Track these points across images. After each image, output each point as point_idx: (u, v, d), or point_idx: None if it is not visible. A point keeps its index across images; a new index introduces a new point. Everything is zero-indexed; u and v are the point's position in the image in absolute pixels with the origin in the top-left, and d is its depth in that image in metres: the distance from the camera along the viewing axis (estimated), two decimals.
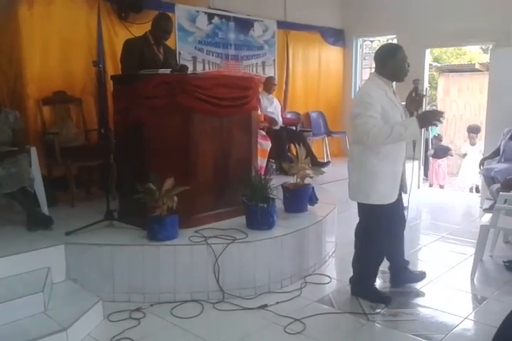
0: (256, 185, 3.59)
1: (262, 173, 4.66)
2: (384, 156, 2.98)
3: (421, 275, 3.58)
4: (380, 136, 2.83)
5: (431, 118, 2.87)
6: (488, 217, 3.84)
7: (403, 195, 3.35)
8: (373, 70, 3.14)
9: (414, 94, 3.03)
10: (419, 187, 7.08)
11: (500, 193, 3.75)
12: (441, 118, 2.86)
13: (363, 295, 3.26)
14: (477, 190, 8.04)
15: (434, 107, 9.94)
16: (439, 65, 11.73)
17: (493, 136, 5.90)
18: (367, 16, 7.32)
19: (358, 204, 3.18)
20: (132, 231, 3.47)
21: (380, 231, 3.13)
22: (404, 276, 3.49)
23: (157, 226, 3.22)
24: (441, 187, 8.38)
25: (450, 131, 10.74)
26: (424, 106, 3.01)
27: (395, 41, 7.31)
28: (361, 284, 3.29)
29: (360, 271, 3.29)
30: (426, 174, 8.90)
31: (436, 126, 2.84)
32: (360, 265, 3.28)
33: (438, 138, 9.04)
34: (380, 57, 3.03)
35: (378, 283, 3.46)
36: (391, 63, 2.97)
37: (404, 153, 3.12)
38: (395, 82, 3.10)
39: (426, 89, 3.12)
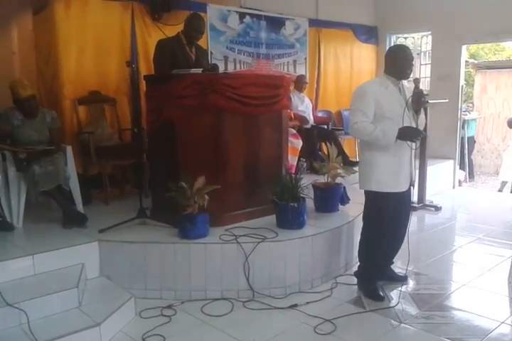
0: (286, 184, 3.59)
1: (293, 172, 4.66)
2: (383, 148, 3.11)
3: (402, 278, 3.51)
4: (361, 131, 3.08)
5: (410, 135, 3.03)
6: None
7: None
8: None
9: (415, 92, 3.11)
10: (454, 188, 6.94)
11: None
12: (418, 138, 3.06)
13: (361, 289, 3.33)
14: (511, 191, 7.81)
15: (470, 104, 9.72)
16: (475, 61, 11.42)
17: None
18: (400, 12, 7.19)
19: (364, 192, 3.29)
20: (164, 229, 3.51)
21: (379, 221, 3.19)
22: (384, 273, 3.46)
23: (189, 224, 3.25)
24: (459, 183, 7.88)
25: (487, 129, 10.46)
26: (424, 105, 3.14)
27: (429, 38, 7.17)
28: (362, 277, 3.35)
29: (361, 264, 3.36)
30: (471, 174, 8.69)
31: (414, 141, 3.09)
32: (361, 257, 3.36)
33: (472, 139, 8.86)
34: (385, 57, 3.23)
35: None
36: (394, 63, 3.14)
37: (409, 148, 3.15)
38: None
39: (422, 90, 3.13)
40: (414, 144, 3.15)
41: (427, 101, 3.23)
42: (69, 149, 3.88)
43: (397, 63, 3.13)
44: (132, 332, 2.79)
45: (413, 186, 3.35)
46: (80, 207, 3.84)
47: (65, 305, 2.75)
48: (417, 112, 3.14)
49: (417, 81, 3.22)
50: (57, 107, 4.37)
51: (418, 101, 3.10)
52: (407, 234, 3.26)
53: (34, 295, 2.70)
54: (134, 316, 2.98)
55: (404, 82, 3.30)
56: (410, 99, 3.09)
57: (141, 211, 3.62)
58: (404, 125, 3.04)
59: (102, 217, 3.78)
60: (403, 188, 3.22)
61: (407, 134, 3.03)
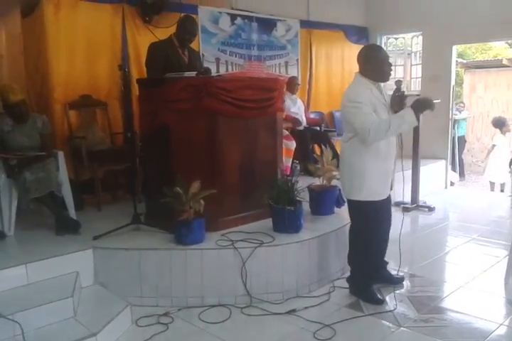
0: (282, 187, 3.56)
1: (288, 173, 4.64)
2: (375, 153, 3.04)
3: (399, 280, 3.51)
4: (380, 130, 2.90)
5: (424, 103, 2.90)
6: None
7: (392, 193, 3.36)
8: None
9: (396, 95, 3.07)
10: (446, 188, 6.96)
11: None
12: (433, 104, 2.91)
13: (357, 295, 3.28)
14: (502, 189, 7.86)
15: (461, 104, 9.77)
16: (464, 61, 11.49)
17: None
18: (391, 13, 7.20)
19: (349, 202, 3.22)
20: (159, 234, 3.47)
21: (369, 230, 3.16)
22: (381, 275, 3.44)
23: (184, 230, 3.21)
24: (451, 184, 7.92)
25: (477, 128, 10.54)
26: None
27: (420, 38, 7.18)
28: (356, 283, 3.31)
29: (354, 271, 3.33)
30: (462, 173, 8.73)
31: (432, 110, 2.91)
32: (353, 265, 3.33)
33: (462, 139, 8.92)
34: (360, 58, 3.10)
35: None
36: (370, 64, 3.03)
37: (395, 150, 3.15)
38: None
39: (403, 90, 3.11)
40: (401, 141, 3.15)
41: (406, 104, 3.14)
42: (61, 154, 3.82)
43: (377, 64, 3.02)
44: None
45: (391, 189, 3.32)
46: (72, 213, 3.78)
47: (60, 315, 2.70)
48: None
49: (399, 83, 3.16)
50: (47, 112, 4.30)
51: (400, 104, 3.05)
52: (399, 235, 3.27)
53: (28, 305, 2.64)
54: (131, 324, 2.93)
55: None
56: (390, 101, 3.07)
57: (136, 217, 3.57)
58: None
59: (95, 223, 3.73)
60: (387, 194, 3.23)
61: (422, 104, 2.89)
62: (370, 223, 3.15)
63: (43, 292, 2.83)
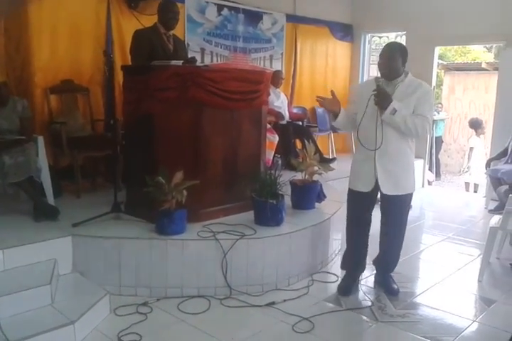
0: (265, 180, 3.56)
1: (269, 165, 4.65)
2: (356, 143, 3.22)
3: (393, 291, 3.37)
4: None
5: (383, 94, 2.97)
6: (496, 218, 3.82)
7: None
8: None
9: (378, 93, 2.97)
10: (423, 186, 7.06)
11: (511, 195, 3.72)
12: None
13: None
14: (475, 190, 8.02)
15: (439, 105, 9.92)
16: (444, 62, 11.66)
17: (501, 137, 5.88)
18: (376, 12, 7.24)
19: (405, 197, 3.26)
20: (139, 224, 3.43)
21: (347, 218, 3.34)
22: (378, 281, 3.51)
23: (166, 220, 3.18)
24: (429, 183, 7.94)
25: (454, 129, 10.72)
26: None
27: (403, 38, 7.25)
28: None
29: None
30: (438, 173, 8.87)
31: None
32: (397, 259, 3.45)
33: (440, 139, 9.07)
34: (403, 56, 3.12)
35: None
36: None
37: (373, 142, 3.02)
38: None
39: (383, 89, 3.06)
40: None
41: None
42: (40, 139, 3.74)
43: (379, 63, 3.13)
44: (107, 330, 2.71)
45: None
46: (51, 199, 3.71)
47: (37, 303, 2.65)
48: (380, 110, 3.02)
49: (378, 80, 3.07)
50: (27, 96, 4.18)
51: (378, 101, 2.97)
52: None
53: (5, 291, 2.59)
54: (109, 313, 2.90)
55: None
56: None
57: (116, 205, 3.52)
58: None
59: (74, 210, 3.66)
60: (363, 187, 3.28)
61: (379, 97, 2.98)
62: (349, 211, 3.33)
63: (19, 278, 2.78)
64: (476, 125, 8.25)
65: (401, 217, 3.29)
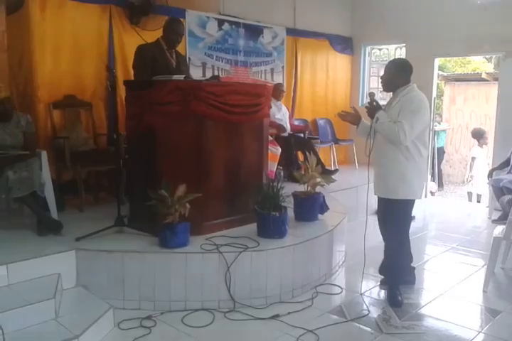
0: (268, 193, 3.57)
1: (272, 177, 4.66)
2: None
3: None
4: None
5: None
6: (500, 228, 3.81)
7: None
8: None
9: (369, 105, 3.32)
10: (426, 197, 7.05)
11: None
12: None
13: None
14: (478, 200, 8.00)
15: (436, 115, 9.93)
16: (444, 73, 11.72)
17: (502, 146, 5.89)
18: (376, 24, 7.32)
19: (394, 201, 3.35)
20: (142, 237, 3.44)
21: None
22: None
23: (169, 233, 3.19)
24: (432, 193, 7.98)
25: (455, 139, 10.73)
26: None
27: (403, 50, 7.31)
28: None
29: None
30: (440, 183, 8.87)
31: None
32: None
33: (441, 150, 9.08)
34: (401, 70, 3.35)
35: None
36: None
37: (382, 150, 3.29)
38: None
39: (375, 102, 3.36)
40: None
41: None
42: (44, 154, 3.76)
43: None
44: None
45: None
46: (54, 214, 3.72)
47: (41, 317, 2.65)
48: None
49: (371, 94, 3.43)
50: (30, 111, 4.22)
51: (369, 114, 3.28)
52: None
53: (9, 306, 2.59)
54: (113, 327, 2.89)
55: None
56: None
57: (119, 219, 3.54)
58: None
59: (77, 224, 3.68)
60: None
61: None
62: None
63: (24, 293, 2.77)
64: (478, 135, 8.26)
65: (390, 224, 3.35)
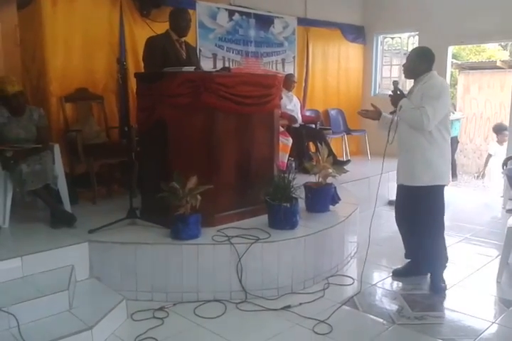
0: (279, 184, 3.56)
1: (284, 168, 4.65)
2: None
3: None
4: None
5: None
6: None
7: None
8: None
9: (392, 93, 3.38)
10: None
11: None
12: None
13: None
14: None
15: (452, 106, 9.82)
16: (458, 62, 11.54)
17: None
18: (388, 13, 7.22)
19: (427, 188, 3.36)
20: (155, 229, 3.46)
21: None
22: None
23: (181, 225, 3.20)
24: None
25: (470, 129, 10.59)
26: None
27: (416, 38, 7.21)
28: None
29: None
30: (454, 174, 8.77)
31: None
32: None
33: (455, 139, 8.95)
34: (421, 58, 3.39)
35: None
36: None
37: (405, 137, 3.34)
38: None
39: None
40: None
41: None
42: (56, 147, 3.81)
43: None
44: (125, 336, 2.74)
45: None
46: (67, 206, 3.77)
47: (55, 308, 2.69)
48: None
49: (395, 83, 3.46)
50: (43, 104, 4.26)
51: (394, 102, 3.34)
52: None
53: (23, 298, 2.63)
54: (126, 319, 2.93)
55: None
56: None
57: (132, 211, 3.56)
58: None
59: (90, 216, 3.72)
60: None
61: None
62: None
63: (37, 285, 2.82)
64: (497, 129, 8.10)
65: (423, 213, 3.32)
